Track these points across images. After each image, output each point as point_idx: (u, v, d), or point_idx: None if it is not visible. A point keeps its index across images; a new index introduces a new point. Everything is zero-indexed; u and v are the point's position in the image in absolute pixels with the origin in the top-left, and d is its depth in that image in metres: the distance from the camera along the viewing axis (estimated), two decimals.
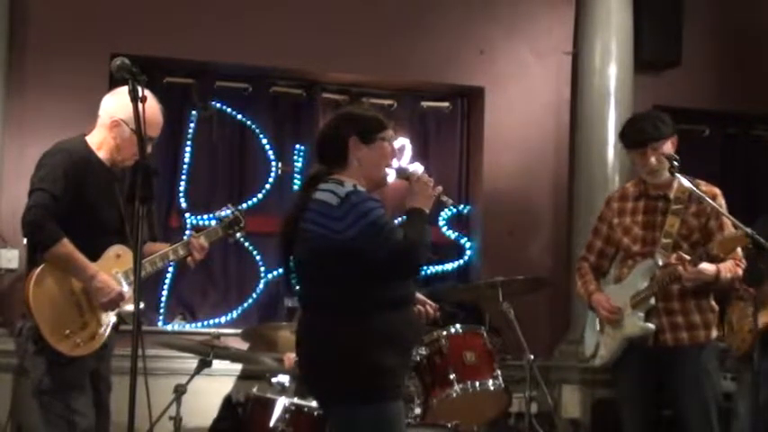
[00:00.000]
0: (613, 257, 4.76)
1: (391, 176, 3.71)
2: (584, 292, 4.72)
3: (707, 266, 4.39)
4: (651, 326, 4.46)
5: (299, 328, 3.60)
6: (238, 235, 4.58)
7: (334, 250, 3.36)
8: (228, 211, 4.54)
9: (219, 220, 4.51)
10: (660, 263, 4.46)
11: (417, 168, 3.77)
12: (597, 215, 4.92)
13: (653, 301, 4.47)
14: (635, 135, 4.59)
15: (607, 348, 4.63)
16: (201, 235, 4.40)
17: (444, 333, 4.79)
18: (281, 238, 3.58)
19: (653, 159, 4.52)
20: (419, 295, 3.72)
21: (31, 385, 3.98)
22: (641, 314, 4.49)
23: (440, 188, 3.60)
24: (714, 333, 4.55)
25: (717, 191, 4.55)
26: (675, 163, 4.44)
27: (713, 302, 4.57)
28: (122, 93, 3.95)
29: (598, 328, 4.72)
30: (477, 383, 4.77)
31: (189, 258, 4.29)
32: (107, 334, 4.03)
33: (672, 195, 4.55)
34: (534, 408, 5.73)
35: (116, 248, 4.07)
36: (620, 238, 4.66)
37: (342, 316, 3.39)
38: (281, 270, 6.87)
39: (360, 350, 3.35)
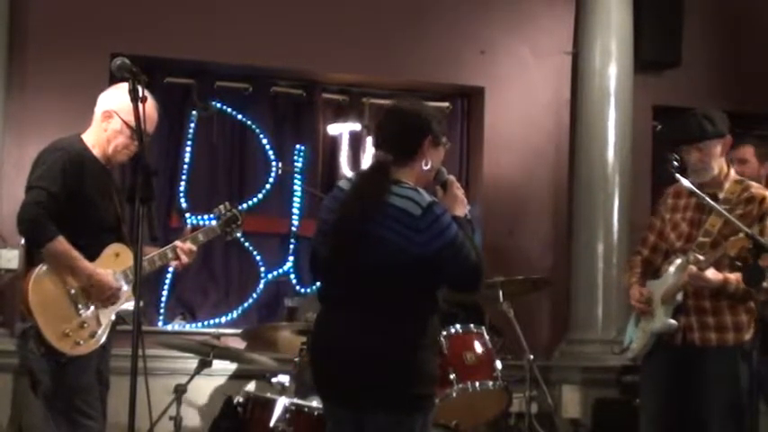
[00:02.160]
0: (666, 252, 4.66)
1: None
2: (627, 283, 4.70)
3: (710, 273, 4.31)
4: (673, 322, 4.41)
5: (337, 327, 3.42)
6: (236, 233, 4.56)
7: (412, 259, 3.31)
8: (228, 212, 4.53)
9: (218, 217, 4.51)
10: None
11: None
12: (598, 214, 4.88)
13: (680, 297, 4.41)
14: (678, 132, 4.53)
15: (638, 342, 4.60)
16: (199, 233, 4.39)
17: (444, 333, 4.79)
18: (342, 238, 3.37)
19: (694, 158, 4.43)
20: None
21: (40, 388, 3.97)
22: (669, 310, 4.45)
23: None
24: (747, 335, 4.39)
25: (766, 193, 4.44)
26: (675, 162, 4.41)
27: (751, 303, 4.42)
28: (116, 87, 3.97)
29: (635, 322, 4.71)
30: (477, 383, 4.78)
31: (177, 263, 4.25)
32: (107, 333, 4.03)
33: (721, 195, 4.44)
34: (534, 408, 5.74)
35: (115, 247, 4.08)
36: (668, 233, 4.60)
37: (402, 319, 3.34)
38: (283, 269, 7.04)
39: (424, 356, 3.34)
